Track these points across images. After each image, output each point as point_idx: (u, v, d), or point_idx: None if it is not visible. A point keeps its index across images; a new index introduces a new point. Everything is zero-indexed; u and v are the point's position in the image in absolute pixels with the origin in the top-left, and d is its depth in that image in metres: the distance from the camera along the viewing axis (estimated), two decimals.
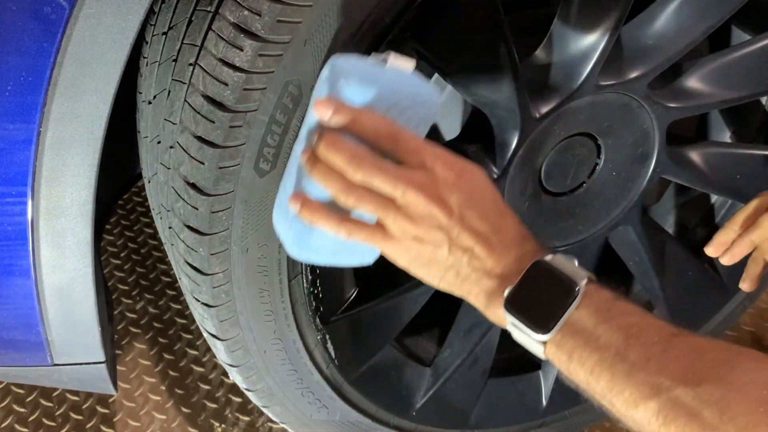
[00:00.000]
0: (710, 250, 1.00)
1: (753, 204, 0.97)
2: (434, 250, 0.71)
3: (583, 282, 0.69)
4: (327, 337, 1.04)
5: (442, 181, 0.70)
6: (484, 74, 0.92)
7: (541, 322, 0.69)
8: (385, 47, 0.81)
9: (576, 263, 0.72)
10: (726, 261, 0.99)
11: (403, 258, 0.73)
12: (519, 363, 1.35)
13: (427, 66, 0.98)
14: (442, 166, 0.71)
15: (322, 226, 0.72)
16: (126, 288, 1.68)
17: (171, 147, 0.87)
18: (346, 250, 0.78)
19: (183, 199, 0.85)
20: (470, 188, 0.72)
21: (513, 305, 0.71)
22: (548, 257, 0.71)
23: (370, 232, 0.72)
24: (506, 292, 0.71)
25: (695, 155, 1.19)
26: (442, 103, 0.73)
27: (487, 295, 0.73)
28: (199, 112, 0.80)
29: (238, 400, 1.46)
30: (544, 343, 0.69)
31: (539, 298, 0.70)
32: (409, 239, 0.71)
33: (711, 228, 1.39)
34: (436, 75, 1.01)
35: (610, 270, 1.36)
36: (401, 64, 0.74)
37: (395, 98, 0.71)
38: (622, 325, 0.66)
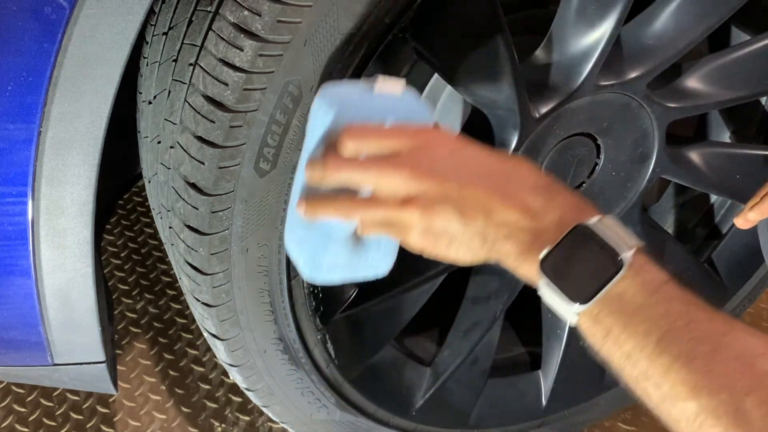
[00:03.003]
0: (740, 221, 0.95)
1: None
2: (447, 225, 0.67)
3: (630, 252, 0.62)
4: (327, 336, 1.04)
5: (421, 153, 0.68)
6: (484, 74, 0.92)
7: (577, 292, 0.63)
8: (385, 47, 0.81)
9: (624, 229, 0.65)
10: (754, 216, 0.93)
11: (424, 244, 0.69)
12: (519, 363, 1.35)
13: (428, 67, 0.98)
14: (418, 137, 0.69)
15: (333, 214, 0.70)
16: (126, 288, 1.68)
17: (171, 147, 0.87)
18: (360, 263, 0.77)
19: (183, 199, 0.85)
20: (456, 147, 0.69)
21: (548, 268, 0.64)
22: (593, 219, 0.64)
23: (386, 220, 0.69)
24: (542, 253, 0.64)
25: (695, 155, 1.19)
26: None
27: (518, 251, 0.66)
28: (199, 112, 0.80)
29: (238, 399, 1.47)
30: (577, 315, 0.63)
31: (579, 264, 0.63)
32: (415, 224, 0.67)
33: (711, 228, 1.39)
34: (431, 83, 1.01)
35: None
36: (390, 88, 0.74)
37: (387, 117, 0.72)
38: (668, 312, 0.60)
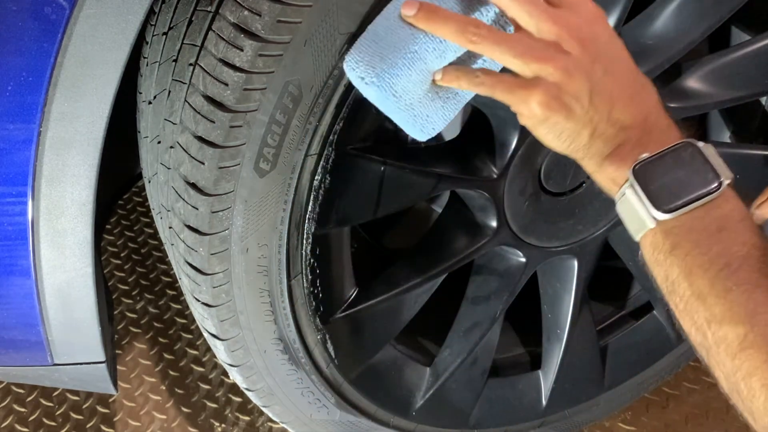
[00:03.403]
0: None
1: None
2: (575, 100, 0.65)
3: (728, 181, 0.64)
4: (327, 336, 1.04)
5: (588, 22, 0.66)
6: None
7: (664, 200, 0.63)
8: None
9: (724, 161, 0.66)
10: (761, 213, 0.95)
11: (542, 109, 0.65)
12: (519, 363, 1.35)
13: None
14: (587, 5, 0.67)
15: (446, 26, 0.64)
16: (126, 288, 1.68)
17: (171, 147, 0.87)
18: (423, 106, 0.71)
19: (183, 199, 0.85)
20: (612, 34, 0.68)
21: (641, 172, 0.65)
22: (700, 143, 0.66)
23: (518, 64, 0.65)
24: (642, 157, 0.65)
25: None
26: None
27: (612, 151, 0.67)
28: (199, 112, 0.80)
29: (238, 399, 1.47)
30: (654, 223, 0.64)
31: (675, 176, 0.64)
32: (549, 82, 0.65)
33: None
34: None
35: (609, 271, 1.37)
36: None
37: None
38: (745, 242, 0.61)
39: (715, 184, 0.63)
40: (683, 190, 0.64)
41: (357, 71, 0.70)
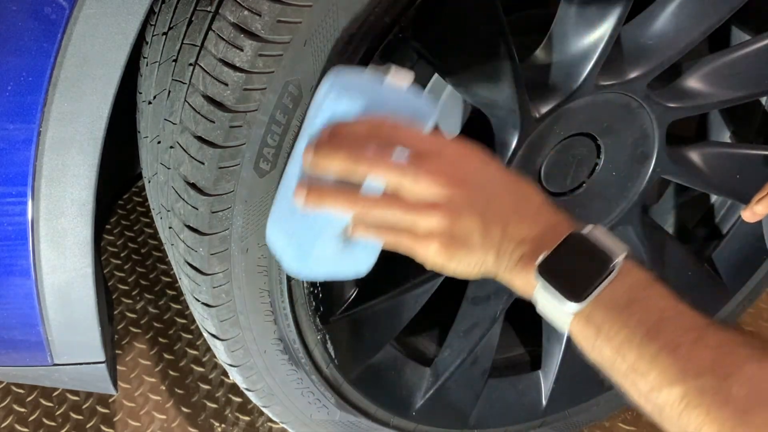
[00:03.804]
0: (747, 214, 0.98)
1: None
2: (469, 234, 0.69)
3: (621, 257, 0.67)
4: (327, 337, 1.04)
5: (454, 163, 0.69)
6: (484, 74, 0.92)
7: (573, 292, 0.67)
8: (385, 47, 0.81)
9: (614, 237, 0.69)
10: (761, 209, 0.96)
11: (442, 256, 0.70)
12: (519, 363, 1.35)
13: (428, 67, 0.98)
14: (452, 148, 0.70)
15: (335, 205, 0.69)
16: (126, 288, 1.68)
17: (171, 147, 0.87)
18: (346, 260, 0.77)
19: (183, 199, 0.85)
20: (484, 162, 0.71)
21: (546, 271, 0.68)
22: (587, 228, 0.69)
23: (401, 224, 0.68)
24: (540, 258, 0.68)
25: (695, 155, 1.19)
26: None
27: (518, 261, 0.70)
28: (199, 112, 0.80)
29: (238, 400, 1.47)
30: (572, 315, 0.67)
31: (574, 267, 0.67)
32: (439, 231, 0.68)
33: (711, 228, 1.39)
34: (434, 79, 1.01)
35: None
36: (399, 80, 0.73)
37: (397, 109, 0.71)
38: (656, 307, 0.65)
39: (613, 264, 0.67)
40: (585, 278, 0.67)
41: (278, 248, 0.78)
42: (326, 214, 0.71)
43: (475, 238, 0.69)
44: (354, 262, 0.78)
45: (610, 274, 0.66)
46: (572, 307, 0.67)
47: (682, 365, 0.61)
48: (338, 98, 0.70)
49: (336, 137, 0.68)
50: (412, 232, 0.69)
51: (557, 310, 0.68)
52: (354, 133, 0.68)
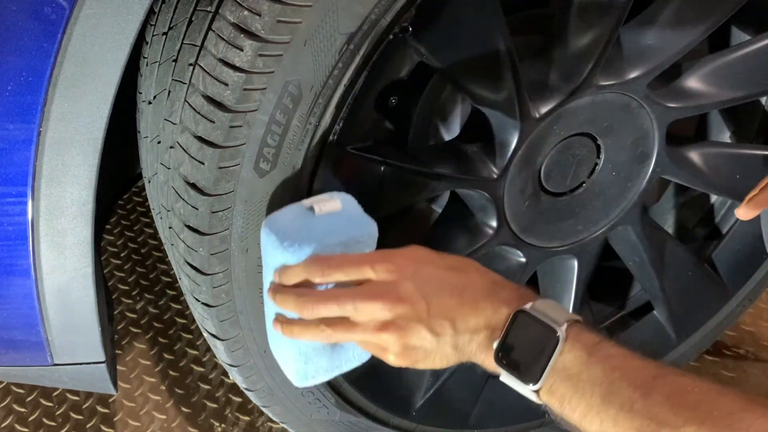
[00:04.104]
0: (740, 212, 0.98)
1: None
2: (421, 341, 0.74)
3: (564, 327, 0.71)
4: None
5: (387, 280, 0.74)
6: (484, 74, 0.92)
7: (529, 373, 0.72)
8: (386, 45, 0.81)
9: (557, 306, 0.74)
10: (755, 205, 0.97)
11: (403, 362, 0.76)
12: None
13: (427, 67, 0.98)
14: (381, 266, 0.75)
15: (312, 339, 0.76)
16: (126, 288, 1.68)
17: (171, 147, 0.87)
18: (342, 360, 0.84)
19: (183, 199, 0.85)
20: (416, 268, 0.76)
21: (501, 358, 0.74)
22: (528, 305, 0.74)
23: (364, 341, 0.76)
24: (494, 346, 0.74)
25: (695, 155, 1.19)
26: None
27: (480, 350, 0.76)
28: (199, 112, 0.80)
29: (238, 399, 1.47)
30: (535, 393, 0.72)
31: (525, 347, 0.72)
32: (393, 345, 0.74)
33: (711, 228, 1.39)
34: (431, 83, 1.01)
35: (608, 271, 1.37)
36: (329, 207, 0.79)
37: (336, 239, 0.77)
38: (606, 369, 0.69)
39: (557, 336, 0.71)
40: (537, 355, 0.72)
41: (281, 366, 0.87)
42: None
43: (427, 343, 0.74)
44: (351, 358, 0.85)
45: (557, 344, 0.71)
46: (532, 387, 0.72)
47: (639, 423, 0.65)
48: (276, 245, 0.76)
49: (282, 285, 0.76)
50: (374, 345, 0.76)
51: (523, 390, 0.74)
52: (294, 276, 0.76)
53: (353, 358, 0.85)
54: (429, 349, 0.75)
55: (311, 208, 0.79)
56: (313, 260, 0.75)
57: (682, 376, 0.68)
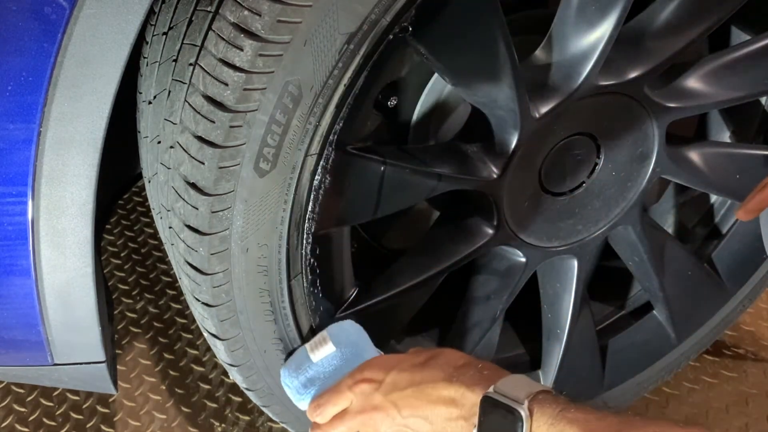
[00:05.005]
0: (740, 213, 0.99)
1: None
2: None
3: (525, 405, 0.74)
4: None
5: (362, 396, 0.86)
6: (483, 74, 0.92)
7: None
8: (386, 45, 0.81)
9: (520, 382, 0.78)
10: (753, 206, 0.98)
11: None
12: (519, 363, 1.35)
13: (427, 67, 0.98)
14: (356, 387, 0.87)
15: None
16: (126, 288, 1.68)
17: (171, 147, 0.87)
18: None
19: (183, 199, 0.85)
20: (383, 377, 0.86)
21: None
22: (491, 388, 0.77)
23: None
24: None
25: (695, 155, 1.19)
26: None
27: None
28: (199, 112, 0.80)
29: (238, 399, 1.47)
30: None
31: (498, 431, 0.76)
32: None
33: (711, 228, 1.39)
34: (431, 83, 1.01)
35: (608, 271, 1.37)
36: (324, 349, 0.93)
37: (340, 371, 0.91)
38: None
39: (519, 415, 0.74)
40: None
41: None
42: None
43: None
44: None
45: (523, 423, 0.73)
46: None
47: None
48: (293, 395, 0.95)
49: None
50: None
51: None
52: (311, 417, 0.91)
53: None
54: None
55: (310, 355, 0.94)
56: (313, 406, 0.91)
57: (643, 428, 0.70)
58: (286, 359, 0.99)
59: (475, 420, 0.78)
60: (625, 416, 0.72)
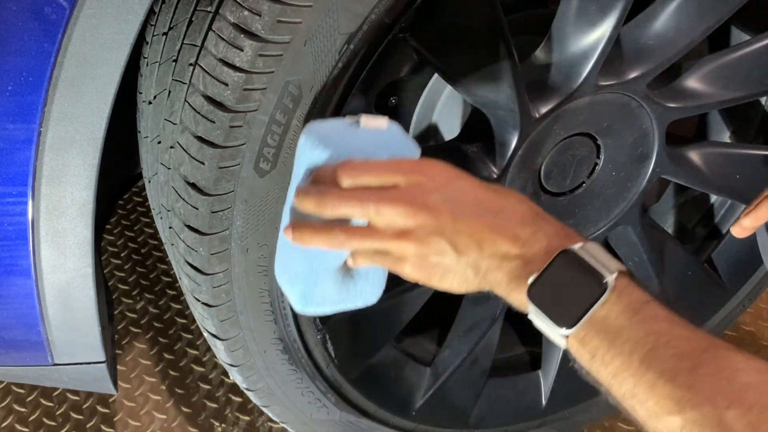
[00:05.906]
0: (736, 230, 0.95)
1: None
2: (441, 257, 0.69)
3: (613, 276, 0.65)
4: (327, 336, 1.04)
5: (417, 187, 0.70)
6: (484, 74, 0.92)
7: (564, 316, 0.65)
8: (386, 45, 0.81)
9: (607, 253, 0.67)
10: (748, 223, 0.93)
11: (419, 275, 0.71)
12: (519, 363, 1.35)
13: (427, 67, 0.98)
14: (412, 173, 0.71)
15: (326, 244, 0.72)
16: (126, 288, 1.68)
17: (171, 147, 0.87)
18: (350, 294, 0.80)
19: (183, 199, 0.85)
20: (449, 181, 0.71)
21: (536, 294, 0.67)
22: (578, 245, 0.67)
23: (381, 251, 0.71)
24: (530, 279, 0.67)
25: (695, 155, 1.19)
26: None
27: (509, 279, 0.69)
28: (199, 112, 0.80)
29: (238, 399, 1.47)
30: (565, 338, 0.66)
31: (564, 289, 0.66)
32: (411, 255, 0.70)
33: (711, 228, 1.39)
34: (431, 83, 1.01)
35: None
36: (376, 124, 0.76)
37: (375, 153, 0.74)
38: (651, 331, 0.62)
39: (604, 284, 0.65)
40: (576, 301, 0.65)
41: (284, 289, 0.82)
42: (320, 251, 0.74)
43: (447, 260, 0.69)
44: (359, 294, 0.81)
45: (601, 295, 0.65)
46: (564, 332, 0.66)
47: (680, 395, 0.59)
48: (314, 148, 0.73)
49: (308, 185, 0.72)
50: (390, 255, 0.72)
51: (551, 332, 0.67)
52: (323, 176, 0.72)
53: (362, 294, 0.81)
54: (448, 266, 0.70)
55: (356, 123, 0.76)
56: (344, 162, 0.71)
57: (733, 351, 0.61)
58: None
59: (538, 267, 0.67)
60: (711, 336, 0.63)
